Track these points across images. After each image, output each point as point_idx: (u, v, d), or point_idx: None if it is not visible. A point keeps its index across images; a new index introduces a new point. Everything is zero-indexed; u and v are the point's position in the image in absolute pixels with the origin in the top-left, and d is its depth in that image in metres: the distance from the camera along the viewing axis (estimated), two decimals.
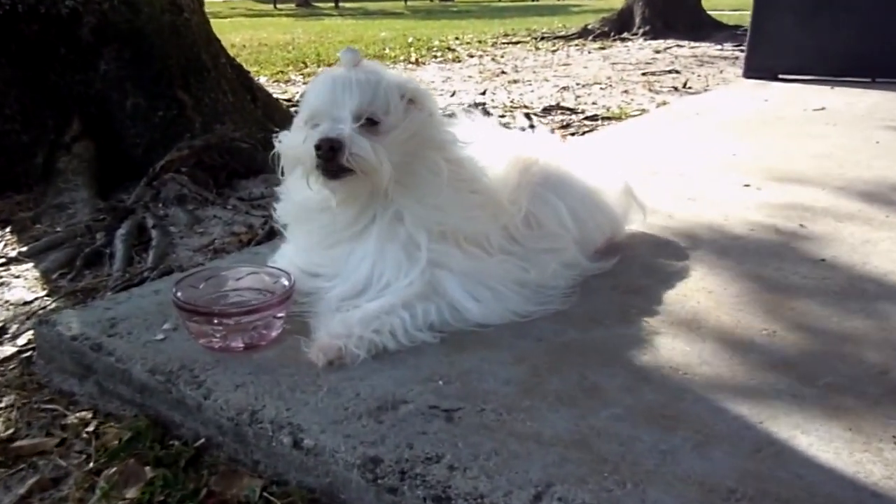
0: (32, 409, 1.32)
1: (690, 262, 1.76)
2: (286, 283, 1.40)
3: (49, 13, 2.61)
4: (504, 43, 10.24)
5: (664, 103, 4.80)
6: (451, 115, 1.62)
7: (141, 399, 1.28)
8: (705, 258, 1.78)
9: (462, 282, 1.44)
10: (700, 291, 1.58)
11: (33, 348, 1.52)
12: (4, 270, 2.02)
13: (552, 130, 3.92)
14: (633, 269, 1.70)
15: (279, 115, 3.19)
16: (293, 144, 1.40)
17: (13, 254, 2.09)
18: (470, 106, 4.79)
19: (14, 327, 1.68)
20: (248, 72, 3.35)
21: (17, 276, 1.98)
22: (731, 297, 1.55)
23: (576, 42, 10.03)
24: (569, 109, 4.66)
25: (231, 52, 9.43)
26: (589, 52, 8.79)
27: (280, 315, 1.36)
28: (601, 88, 5.81)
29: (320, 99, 1.35)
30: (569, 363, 1.28)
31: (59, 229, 2.26)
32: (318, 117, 1.35)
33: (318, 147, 1.29)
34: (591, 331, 1.41)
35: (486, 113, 4.46)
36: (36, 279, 1.96)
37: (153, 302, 1.53)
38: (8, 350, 1.57)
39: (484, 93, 5.59)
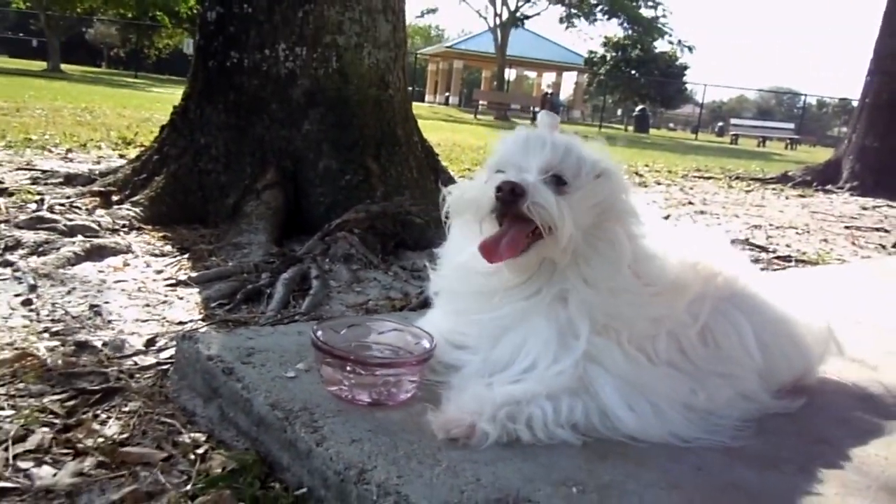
0: (152, 419, 1.30)
1: None
2: (427, 345, 1.30)
3: (269, 71, 2.82)
4: (695, 176, 9.99)
5: (868, 258, 4.36)
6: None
7: (256, 433, 1.21)
8: None
9: (618, 386, 1.26)
10: None
11: (172, 362, 1.52)
12: (171, 290, 2.10)
13: None
14: (824, 417, 1.44)
15: None
16: (470, 188, 1.33)
17: (183, 277, 2.18)
18: None
19: (162, 341, 1.71)
20: (437, 154, 3.42)
21: (181, 298, 2.05)
22: None
23: (773, 186, 9.57)
24: (759, 247, 4.34)
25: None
26: (787, 198, 8.32)
27: (413, 378, 1.26)
28: (797, 233, 5.41)
29: (509, 150, 1.29)
30: (734, 503, 1.06)
31: (230, 263, 2.35)
32: (503, 167, 1.28)
33: (498, 189, 1.20)
34: (764, 473, 1.18)
35: None
36: (197, 304, 2.01)
37: (294, 341, 1.49)
38: (149, 360, 1.59)
39: (667, 218, 5.38)
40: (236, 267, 2.25)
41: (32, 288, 1.95)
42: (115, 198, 2.85)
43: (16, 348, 1.56)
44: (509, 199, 1.19)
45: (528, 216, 1.20)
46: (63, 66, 27.34)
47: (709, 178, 10.06)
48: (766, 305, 1.53)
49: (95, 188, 2.90)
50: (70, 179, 3.18)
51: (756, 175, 10.80)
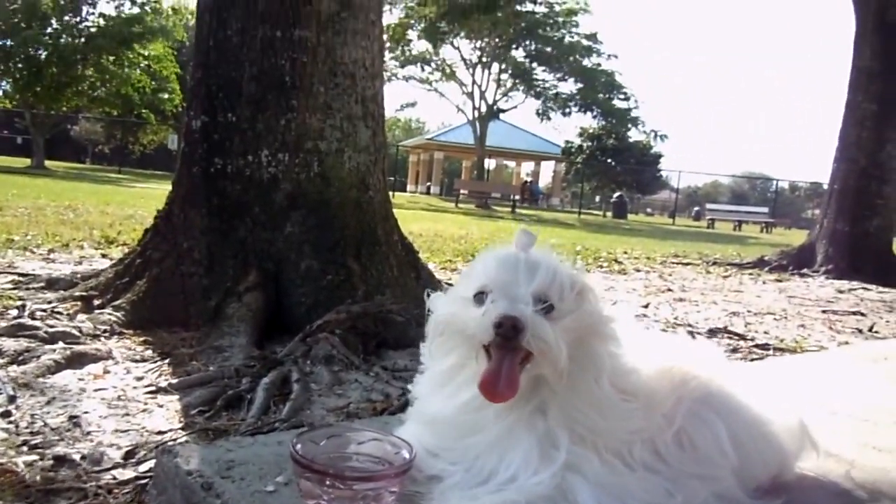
0: None
1: None
2: (406, 455, 1.31)
3: (252, 176, 2.90)
4: (673, 262, 10.14)
5: (846, 343, 4.42)
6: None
7: None
8: None
9: (596, 494, 1.28)
10: None
11: (151, 477, 1.51)
12: (151, 398, 2.09)
13: None
14: None
15: None
16: (460, 315, 1.34)
17: (164, 384, 2.18)
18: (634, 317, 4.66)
19: (141, 453, 1.70)
20: (417, 252, 3.48)
21: (161, 406, 2.04)
22: None
23: (750, 271, 9.72)
24: (737, 335, 4.39)
25: (409, 239, 10.05)
26: (764, 283, 8.46)
27: (393, 489, 1.27)
28: (775, 319, 5.48)
29: (497, 275, 1.30)
30: None
31: (211, 368, 2.35)
32: (491, 293, 1.29)
33: (498, 325, 1.23)
34: None
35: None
36: (177, 411, 2.01)
37: (274, 452, 1.49)
38: (128, 474, 1.57)
39: (647, 306, 5.45)
40: (217, 372, 2.25)
41: (11, 399, 1.94)
42: (96, 302, 2.87)
43: None
44: (511, 335, 1.22)
45: (528, 349, 1.23)
46: (47, 163, 27.69)
47: (687, 263, 10.22)
48: (741, 405, 1.55)
49: (77, 292, 2.92)
50: (52, 283, 3.20)
51: (733, 260, 11.00)
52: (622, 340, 1.38)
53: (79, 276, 3.33)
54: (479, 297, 1.30)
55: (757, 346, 4.05)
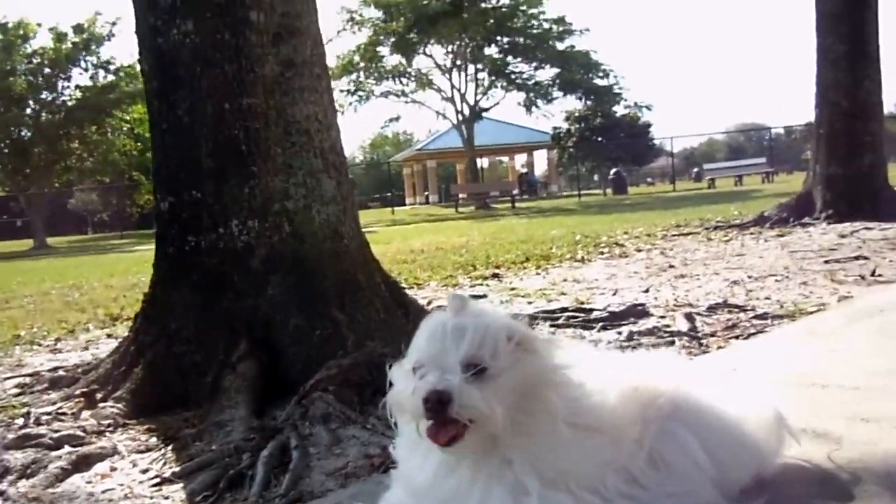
0: None
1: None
2: None
3: (227, 247, 2.96)
4: (674, 235, 10.13)
5: (847, 295, 4.43)
6: (558, 345, 1.54)
7: None
8: (877, 500, 1.52)
9: None
10: None
11: None
12: (157, 491, 2.14)
13: (714, 333, 3.71)
14: None
15: None
16: (402, 392, 1.38)
17: (168, 474, 2.23)
18: (633, 305, 4.68)
19: None
20: (402, 288, 3.54)
21: (167, 498, 2.09)
22: None
23: (751, 230, 9.71)
24: (737, 307, 4.40)
25: (411, 258, 10.01)
26: (766, 241, 8.44)
27: None
28: (776, 281, 5.48)
29: (427, 346, 1.35)
30: None
31: (213, 447, 2.40)
32: (425, 366, 1.34)
33: (426, 400, 1.28)
34: None
35: (645, 314, 4.34)
36: (181, 501, 2.06)
37: None
38: None
39: (647, 290, 5.46)
40: (217, 453, 2.30)
41: None
42: (98, 395, 2.93)
43: None
44: (438, 410, 1.27)
45: (458, 419, 1.27)
46: (49, 241, 27.96)
47: (688, 233, 10.21)
48: (711, 412, 1.58)
49: (79, 389, 2.98)
50: (55, 383, 3.27)
51: (734, 221, 10.96)
52: (576, 381, 1.41)
53: (80, 370, 3.40)
54: (416, 370, 1.35)
55: (756, 316, 4.05)
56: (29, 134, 27.36)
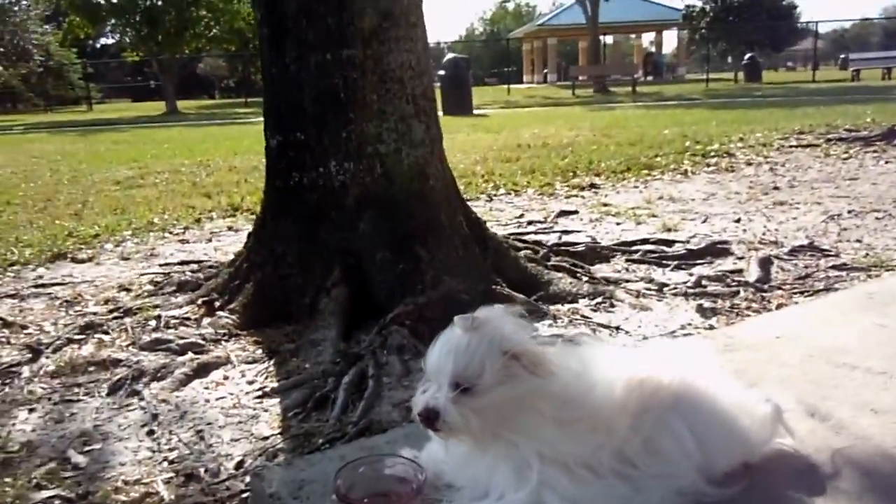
0: None
1: (826, 499, 1.73)
2: (421, 477, 1.72)
3: (325, 185, 3.31)
4: (792, 146, 9.72)
5: None
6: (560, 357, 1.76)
7: None
8: (846, 497, 1.73)
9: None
10: None
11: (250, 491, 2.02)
12: (258, 403, 2.62)
13: (782, 285, 3.77)
14: (755, 500, 1.74)
15: (508, 265, 3.60)
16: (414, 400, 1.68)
17: (269, 388, 2.71)
18: (715, 242, 4.75)
19: (248, 461, 2.22)
20: (484, 224, 3.80)
21: (266, 410, 2.57)
22: None
23: (877, 147, 9.17)
24: (821, 251, 4.40)
25: (515, 156, 10.08)
26: (886, 163, 8.01)
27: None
28: (877, 219, 5.32)
29: (431, 363, 1.62)
30: None
31: (307, 365, 2.85)
32: (430, 378, 1.62)
33: (419, 414, 1.59)
34: None
35: (725, 252, 4.40)
36: (277, 415, 2.52)
37: (335, 468, 1.95)
38: (237, 486, 2.09)
39: (739, 220, 5.46)
40: (308, 374, 2.74)
41: (154, 416, 2.53)
42: (217, 304, 3.44)
43: (143, 483, 2.11)
44: (427, 423, 1.58)
45: (445, 431, 1.59)
46: (180, 105, 29.53)
47: (807, 145, 9.76)
48: (707, 406, 1.82)
49: (200, 298, 3.51)
50: (181, 287, 3.82)
51: (861, 133, 10.34)
52: (572, 382, 1.68)
53: (202, 275, 3.94)
54: (426, 384, 1.66)
55: (835, 266, 4.06)
56: (160, 2, 28.50)
